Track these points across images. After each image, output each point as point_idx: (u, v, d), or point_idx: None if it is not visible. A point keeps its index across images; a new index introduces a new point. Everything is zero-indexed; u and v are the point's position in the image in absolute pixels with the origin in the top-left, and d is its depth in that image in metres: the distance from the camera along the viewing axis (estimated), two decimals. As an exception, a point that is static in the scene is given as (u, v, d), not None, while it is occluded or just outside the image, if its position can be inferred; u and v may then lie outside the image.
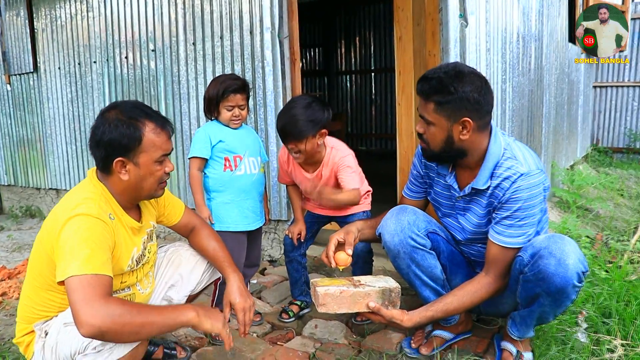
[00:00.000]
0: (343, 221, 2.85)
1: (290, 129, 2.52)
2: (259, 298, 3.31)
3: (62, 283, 1.77)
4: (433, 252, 2.39)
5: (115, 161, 1.95)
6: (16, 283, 3.77)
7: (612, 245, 3.83)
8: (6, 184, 6.61)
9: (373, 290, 2.14)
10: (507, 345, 2.34)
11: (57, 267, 1.80)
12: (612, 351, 2.36)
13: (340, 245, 2.38)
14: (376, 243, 2.55)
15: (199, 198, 2.75)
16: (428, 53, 3.38)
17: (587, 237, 3.81)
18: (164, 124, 2.03)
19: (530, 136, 4.41)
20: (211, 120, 2.81)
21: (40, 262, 1.97)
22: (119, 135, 1.93)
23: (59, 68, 5.54)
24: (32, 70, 5.83)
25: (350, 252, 2.33)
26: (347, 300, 2.12)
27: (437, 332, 2.53)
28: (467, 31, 3.07)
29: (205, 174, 2.79)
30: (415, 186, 2.57)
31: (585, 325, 2.60)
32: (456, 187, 2.31)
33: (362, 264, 2.80)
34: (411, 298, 2.93)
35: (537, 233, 2.24)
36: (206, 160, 2.75)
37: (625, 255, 3.55)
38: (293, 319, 2.96)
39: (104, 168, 2.01)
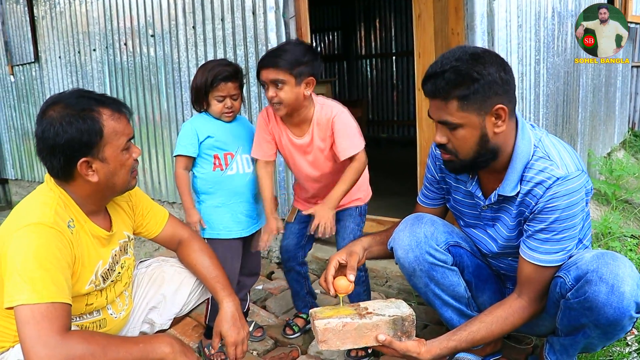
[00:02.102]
0: (335, 218, 2.37)
1: (271, 55, 2.19)
2: (264, 307, 3.04)
3: (10, 308, 1.50)
4: (455, 269, 2.03)
5: (79, 163, 1.65)
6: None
7: (660, 245, 3.43)
8: (14, 178, 6.46)
9: (382, 320, 1.77)
10: None
11: (6, 290, 1.51)
12: (672, 380, 2.00)
13: (341, 268, 2.01)
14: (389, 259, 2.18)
15: (187, 200, 2.43)
16: (451, 31, 3.00)
17: (633, 236, 3.40)
18: (119, 107, 1.74)
19: (566, 122, 4.00)
20: (199, 112, 2.47)
21: None
22: (76, 132, 1.62)
23: (60, 57, 5.31)
24: (33, 60, 5.63)
25: (352, 277, 1.94)
26: (351, 334, 1.75)
27: (462, 355, 2.19)
28: (495, 4, 2.67)
29: (193, 173, 2.47)
30: (432, 192, 2.20)
31: (636, 345, 2.26)
32: (480, 195, 1.94)
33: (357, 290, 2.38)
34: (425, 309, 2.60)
35: (580, 241, 1.89)
36: (193, 158, 2.43)
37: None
38: (298, 334, 2.66)
39: (65, 175, 1.70)
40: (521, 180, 1.78)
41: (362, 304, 1.87)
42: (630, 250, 3.03)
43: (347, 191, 2.26)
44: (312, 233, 2.21)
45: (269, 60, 2.16)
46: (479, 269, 2.11)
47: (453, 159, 1.82)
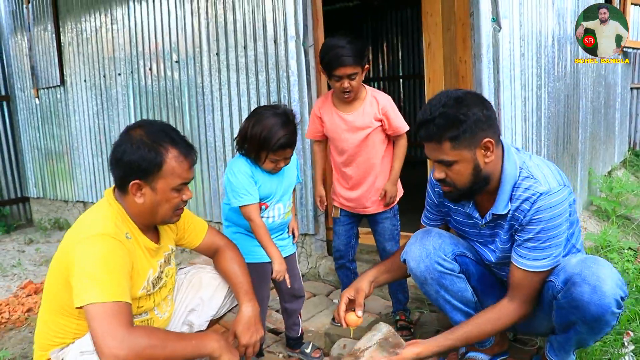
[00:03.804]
0: (373, 219, 2.86)
1: (344, 54, 2.50)
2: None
3: (80, 307, 1.72)
4: (462, 276, 2.25)
5: (131, 183, 1.88)
6: (41, 298, 3.74)
7: (657, 258, 3.63)
8: (36, 196, 6.67)
9: (373, 350, 2.04)
10: None
11: (75, 291, 1.73)
12: (665, 377, 2.20)
13: (351, 303, 2.28)
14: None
15: (273, 249, 2.39)
16: (459, 60, 3.25)
17: (630, 249, 3.61)
18: (188, 152, 1.94)
19: (566, 143, 4.23)
20: (243, 156, 2.42)
21: (56, 285, 1.90)
22: (139, 158, 1.85)
23: (85, 81, 5.56)
24: (59, 84, 5.88)
25: (360, 313, 2.23)
26: None
27: (472, 355, 2.40)
28: (500, 36, 2.92)
29: (228, 204, 2.49)
30: (432, 214, 2.43)
31: (632, 347, 2.43)
32: (477, 215, 2.16)
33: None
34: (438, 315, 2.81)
35: (573, 246, 2.11)
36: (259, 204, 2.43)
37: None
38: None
39: (121, 187, 1.94)
40: (511, 199, 2.00)
41: (356, 346, 2.11)
42: (628, 260, 3.22)
43: (401, 167, 2.76)
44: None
45: (347, 59, 2.51)
46: (484, 276, 2.32)
47: (452, 190, 2.04)
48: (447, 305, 2.29)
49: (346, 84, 2.56)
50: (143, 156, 1.84)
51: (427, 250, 2.21)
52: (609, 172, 6.17)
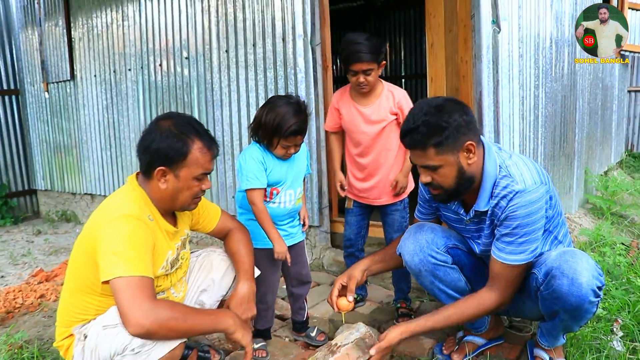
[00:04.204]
0: (384, 211, 3.02)
1: (361, 50, 2.64)
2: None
3: (106, 282, 1.85)
4: (455, 267, 2.39)
5: (157, 169, 2.02)
6: (53, 286, 3.88)
7: (649, 253, 3.76)
8: (43, 189, 6.79)
9: (349, 347, 2.17)
10: (539, 352, 2.35)
11: (102, 267, 1.86)
12: (650, 360, 2.33)
13: (343, 289, 2.41)
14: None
15: (273, 232, 2.51)
16: (460, 60, 3.39)
17: (623, 244, 3.74)
18: (211, 145, 2.09)
19: (563, 142, 4.36)
20: (257, 143, 2.55)
21: (80, 263, 2.03)
22: (166, 146, 2.00)
23: (95, 76, 5.69)
24: (69, 78, 6.00)
25: (351, 299, 2.37)
26: None
27: (469, 338, 2.54)
28: (499, 37, 3.06)
29: (241, 191, 2.61)
30: (425, 209, 2.57)
31: (620, 333, 2.56)
32: (462, 212, 2.30)
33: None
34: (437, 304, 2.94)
35: (555, 238, 2.25)
36: (265, 189, 2.54)
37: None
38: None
39: (146, 172, 2.08)
40: (491, 196, 2.13)
41: (333, 341, 2.26)
42: (619, 254, 3.35)
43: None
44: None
45: (363, 55, 2.65)
46: (475, 266, 2.45)
47: (440, 193, 2.16)
48: (442, 294, 2.42)
49: (362, 78, 2.71)
50: (170, 145, 1.99)
51: (420, 244, 2.34)
52: (605, 172, 6.31)
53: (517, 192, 2.05)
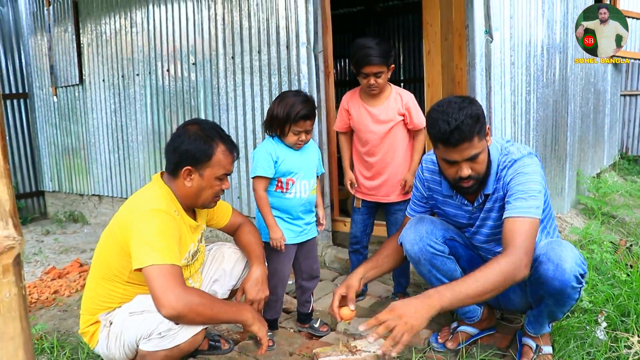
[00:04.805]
0: (388, 210, 3.19)
1: (373, 54, 2.82)
2: (295, 297, 3.50)
3: (138, 270, 2.04)
4: (452, 257, 2.56)
5: (184, 168, 2.21)
6: (66, 282, 4.04)
7: (635, 251, 3.92)
8: (51, 190, 6.96)
9: (369, 355, 2.36)
10: (527, 340, 2.50)
11: (134, 256, 2.05)
12: (629, 347, 2.49)
13: (343, 299, 2.46)
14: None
15: (270, 219, 2.69)
16: (455, 67, 3.57)
17: (611, 242, 3.91)
18: (233, 148, 2.30)
19: (555, 145, 4.54)
20: (271, 136, 2.74)
21: (108, 254, 2.22)
22: (194, 148, 2.20)
23: (103, 80, 5.87)
24: (77, 83, 6.18)
25: (352, 307, 2.41)
26: None
27: (463, 328, 2.71)
28: (492, 46, 3.25)
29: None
30: (419, 207, 2.71)
31: (604, 324, 2.71)
32: (466, 202, 2.47)
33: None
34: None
35: (544, 228, 2.41)
36: (270, 179, 2.72)
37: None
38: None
39: (173, 171, 2.27)
40: (497, 177, 2.33)
41: (353, 343, 2.45)
42: (607, 252, 3.52)
43: (420, 159, 2.91)
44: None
45: (374, 59, 2.83)
46: (471, 259, 2.62)
47: (474, 182, 2.31)
48: (439, 283, 2.56)
49: (372, 81, 2.89)
50: (197, 147, 2.19)
51: (420, 234, 2.50)
52: (598, 174, 6.48)
53: (515, 160, 2.29)
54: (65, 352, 2.74)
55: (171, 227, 2.14)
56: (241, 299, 2.49)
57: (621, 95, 8.41)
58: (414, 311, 1.97)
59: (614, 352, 2.48)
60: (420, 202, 2.70)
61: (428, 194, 2.64)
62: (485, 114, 3.27)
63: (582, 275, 2.20)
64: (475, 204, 2.44)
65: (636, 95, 8.70)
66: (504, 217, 2.22)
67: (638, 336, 2.56)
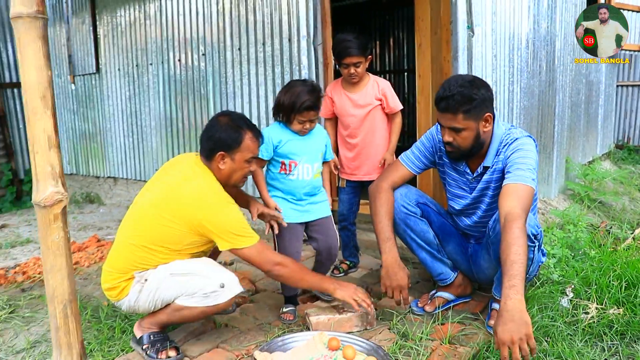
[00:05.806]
0: None
1: (353, 46, 3.13)
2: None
3: (232, 250, 2.49)
4: (424, 219, 2.88)
5: (218, 153, 2.53)
6: (86, 254, 4.40)
7: (614, 233, 4.18)
8: (69, 172, 7.31)
9: (354, 315, 2.71)
10: (495, 305, 2.71)
11: (224, 243, 2.47)
12: (587, 313, 2.78)
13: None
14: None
15: (264, 190, 2.94)
16: (443, 59, 3.83)
17: (592, 225, 4.13)
18: (258, 135, 2.62)
19: (540, 132, 4.79)
20: (278, 122, 2.92)
21: (157, 224, 2.46)
22: (226, 136, 2.52)
23: (119, 69, 6.20)
24: (94, 72, 6.51)
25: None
26: (335, 325, 2.68)
27: (440, 293, 2.98)
28: (473, 40, 3.53)
29: (268, 168, 2.99)
30: (419, 161, 2.91)
31: (571, 295, 2.99)
32: (468, 170, 2.77)
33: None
34: (424, 270, 3.40)
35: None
36: (268, 160, 2.93)
37: (626, 243, 3.88)
38: (342, 274, 3.60)
39: (208, 156, 2.57)
40: (497, 153, 2.63)
41: (340, 304, 2.80)
42: (581, 231, 3.77)
43: (397, 140, 3.37)
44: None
45: (353, 50, 3.15)
46: (444, 225, 2.95)
47: (455, 151, 2.65)
48: (413, 242, 2.91)
49: (352, 70, 3.21)
50: (229, 134, 2.52)
51: (396, 196, 2.85)
52: (590, 162, 6.69)
53: (516, 139, 2.59)
54: (87, 312, 3.09)
55: (238, 210, 2.53)
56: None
57: (623, 86, 8.59)
58: (515, 320, 2.04)
59: (573, 317, 2.75)
60: (422, 158, 2.90)
61: (439, 161, 2.90)
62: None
63: (535, 236, 2.48)
64: (475, 174, 2.73)
65: (637, 85, 8.87)
66: (504, 184, 2.49)
67: (596, 303, 2.85)
